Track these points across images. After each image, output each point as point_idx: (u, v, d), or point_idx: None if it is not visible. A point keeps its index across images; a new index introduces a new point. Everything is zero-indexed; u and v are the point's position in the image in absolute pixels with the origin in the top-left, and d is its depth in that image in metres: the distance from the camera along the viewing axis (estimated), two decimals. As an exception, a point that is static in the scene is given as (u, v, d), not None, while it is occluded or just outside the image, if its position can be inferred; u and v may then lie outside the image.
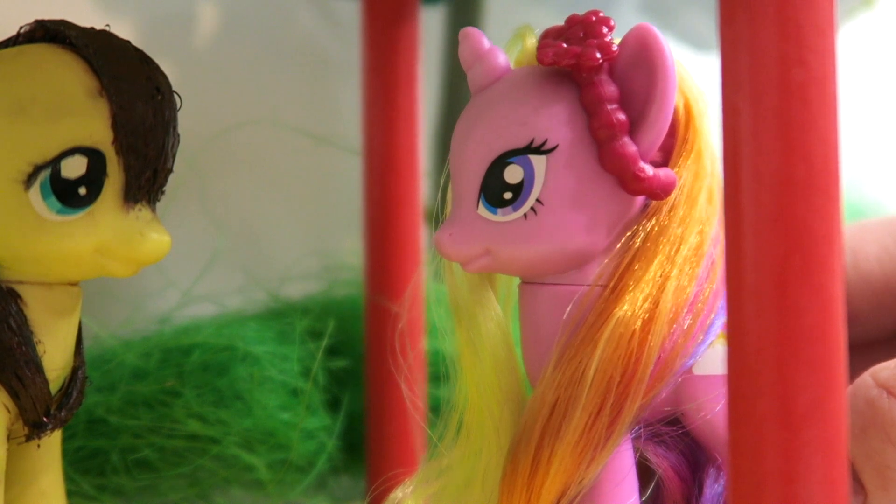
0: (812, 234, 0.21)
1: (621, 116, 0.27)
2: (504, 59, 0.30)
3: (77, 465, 0.36)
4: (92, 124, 0.27)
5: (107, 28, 0.29)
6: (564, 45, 0.28)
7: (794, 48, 0.21)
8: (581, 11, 0.29)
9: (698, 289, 0.28)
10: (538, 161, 0.28)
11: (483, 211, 0.28)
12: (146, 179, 0.28)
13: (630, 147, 0.27)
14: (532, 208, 0.28)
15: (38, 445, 0.29)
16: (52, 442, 0.30)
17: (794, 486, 0.21)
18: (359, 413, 0.41)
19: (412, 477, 0.31)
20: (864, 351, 0.33)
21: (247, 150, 0.48)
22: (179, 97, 0.29)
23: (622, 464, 0.28)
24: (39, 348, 0.28)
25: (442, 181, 0.31)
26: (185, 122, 0.29)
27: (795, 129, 0.21)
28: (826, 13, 0.22)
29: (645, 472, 0.30)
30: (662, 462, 0.29)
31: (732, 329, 0.22)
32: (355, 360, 0.42)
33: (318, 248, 0.46)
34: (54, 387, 0.29)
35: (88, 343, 0.31)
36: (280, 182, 0.50)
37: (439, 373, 0.40)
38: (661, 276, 0.28)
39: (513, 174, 0.28)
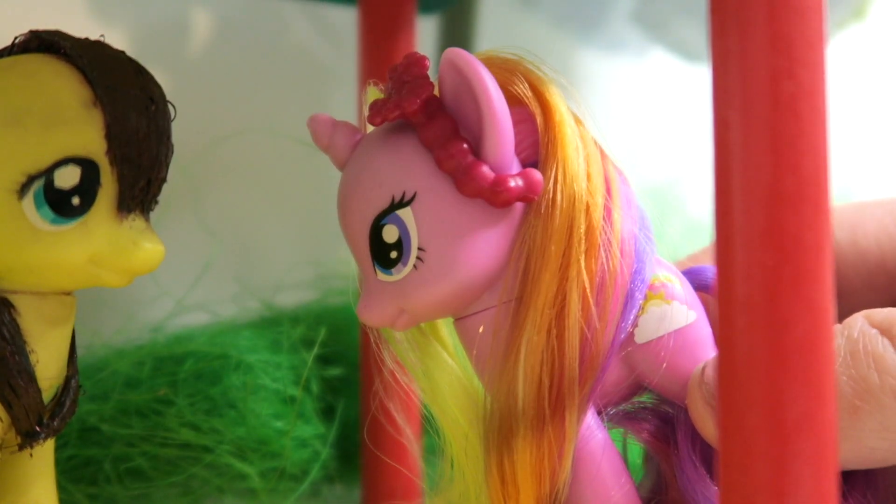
0: (802, 246, 0.22)
1: (461, 144, 0.28)
2: (352, 130, 0.30)
3: (69, 473, 0.36)
4: (86, 134, 0.27)
5: (101, 38, 0.29)
6: (386, 100, 0.29)
7: (785, 61, 0.22)
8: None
9: (604, 266, 0.29)
10: (405, 214, 0.28)
11: (382, 275, 0.29)
12: (140, 189, 0.28)
13: (479, 169, 0.28)
14: (418, 257, 0.29)
15: (31, 455, 0.29)
16: (45, 451, 0.30)
17: (784, 497, 0.21)
18: (353, 421, 0.41)
19: None
20: None
21: (241, 158, 0.48)
22: (174, 107, 0.29)
23: (594, 453, 0.29)
24: (32, 358, 0.28)
25: None
26: (180, 130, 0.29)
27: (785, 142, 0.22)
28: (816, 26, 0.22)
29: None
30: (643, 434, 0.30)
31: (723, 341, 0.22)
32: (349, 369, 0.42)
33: (311, 256, 0.46)
34: (47, 396, 0.29)
35: (81, 352, 0.31)
36: (274, 191, 0.50)
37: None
38: (559, 268, 0.28)
39: (389, 234, 0.29)
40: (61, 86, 0.27)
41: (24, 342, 0.28)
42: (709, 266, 0.31)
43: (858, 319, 0.28)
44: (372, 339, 0.31)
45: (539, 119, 0.29)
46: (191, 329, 0.40)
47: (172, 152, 0.29)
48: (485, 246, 0.29)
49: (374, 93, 0.31)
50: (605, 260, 0.29)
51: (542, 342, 0.28)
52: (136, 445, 0.36)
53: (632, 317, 0.29)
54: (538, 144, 0.29)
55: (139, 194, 0.28)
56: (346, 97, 0.47)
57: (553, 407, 0.28)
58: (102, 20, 0.45)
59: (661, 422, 0.30)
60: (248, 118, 0.49)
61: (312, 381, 0.40)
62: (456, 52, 0.28)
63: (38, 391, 0.28)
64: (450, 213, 0.28)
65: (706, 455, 0.29)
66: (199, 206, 0.45)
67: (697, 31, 0.51)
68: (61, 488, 0.32)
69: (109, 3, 0.45)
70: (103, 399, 0.37)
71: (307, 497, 0.40)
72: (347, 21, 0.47)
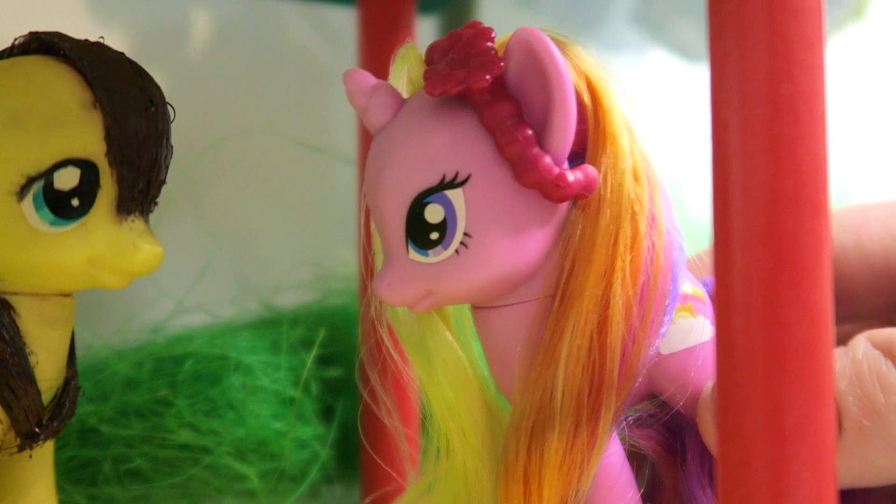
0: (801, 249, 0.22)
1: (527, 131, 0.26)
2: (395, 92, 0.28)
3: (69, 474, 0.36)
4: (85, 136, 0.27)
5: (101, 40, 0.29)
6: (449, 71, 0.27)
7: (783, 63, 0.22)
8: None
9: (646, 274, 0.28)
10: (455, 195, 0.27)
11: (414, 255, 0.27)
12: (139, 191, 0.28)
13: (543, 159, 0.26)
14: (462, 243, 0.27)
15: (31, 456, 0.29)
16: (45, 452, 0.30)
17: (783, 498, 0.21)
18: (352, 422, 0.41)
19: (399, 497, 0.31)
20: (852, 329, 0.33)
21: (240, 159, 0.48)
22: (173, 109, 0.29)
23: (614, 464, 0.28)
24: (32, 359, 0.28)
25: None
26: (179, 131, 0.29)
27: (784, 144, 0.22)
28: (814, 28, 0.22)
29: (639, 454, 0.30)
30: (650, 442, 0.29)
31: (721, 343, 0.22)
32: (349, 370, 0.42)
33: (311, 257, 0.46)
34: (47, 397, 0.29)
35: (81, 353, 0.31)
36: (273, 192, 0.50)
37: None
38: (605, 272, 0.27)
39: (433, 214, 0.27)
40: (61, 87, 0.27)
41: (24, 343, 0.28)
42: None
43: (861, 341, 0.28)
44: (372, 311, 0.30)
45: (590, 113, 0.28)
46: (190, 330, 0.40)
47: (172, 154, 0.29)
48: (532, 240, 0.27)
49: (413, 52, 0.29)
50: (647, 265, 0.27)
51: (585, 346, 0.27)
52: (136, 446, 0.36)
53: (666, 329, 0.28)
54: (581, 133, 0.28)
55: (138, 196, 0.28)
56: (344, 97, 0.47)
57: (589, 413, 0.27)
58: (102, 21, 0.45)
59: (668, 431, 0.29)
60: (248, 118, 0.49)
61: (312, 382, 0.40)
62: (531, 32, 0.26)
63: (38, 392, 0.28)
64: (503, 201, 0.27)
65: (714, 474, 0.28)
66: (198, 207, 0.45)
67: (697, 32, 0.51)
68: (61, 489, 0.32)
69: (109, 4, 0.45)
70: (103, 400, 0.37)
71: (306, 498, 0.40)
72: (347, 21, 0.47)
